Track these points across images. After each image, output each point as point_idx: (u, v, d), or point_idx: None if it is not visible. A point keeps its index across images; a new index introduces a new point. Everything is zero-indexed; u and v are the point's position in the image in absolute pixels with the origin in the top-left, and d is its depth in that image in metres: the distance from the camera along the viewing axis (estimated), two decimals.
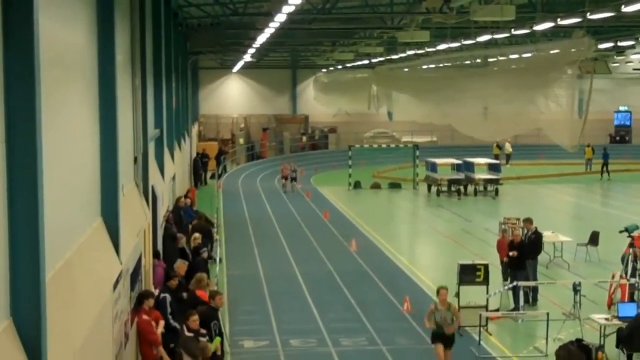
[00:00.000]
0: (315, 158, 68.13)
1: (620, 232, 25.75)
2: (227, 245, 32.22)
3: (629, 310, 18.63)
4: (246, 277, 26.90)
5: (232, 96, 75.74)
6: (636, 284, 22.56)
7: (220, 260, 27.51)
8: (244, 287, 25.58)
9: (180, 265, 19.18)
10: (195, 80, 67.47)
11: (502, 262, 23.85)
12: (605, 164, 58.39)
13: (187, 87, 49.83)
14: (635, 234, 24.01)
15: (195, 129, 60.97)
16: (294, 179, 49.85)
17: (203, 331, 15.26)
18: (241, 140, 70.05)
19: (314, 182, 55.53)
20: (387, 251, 31.26)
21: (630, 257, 23.10)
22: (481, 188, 49.09)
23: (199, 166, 52.60)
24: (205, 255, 22.57)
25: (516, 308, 22.08)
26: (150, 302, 15.53)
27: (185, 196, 33.95)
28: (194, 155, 53.70)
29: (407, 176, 53.81)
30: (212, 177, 55.38)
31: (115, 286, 12.89)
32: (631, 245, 23.51)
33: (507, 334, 21.11)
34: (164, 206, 25.98)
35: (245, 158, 68.44)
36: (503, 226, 29.06)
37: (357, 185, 51.72)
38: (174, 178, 33.07)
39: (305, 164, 64.65)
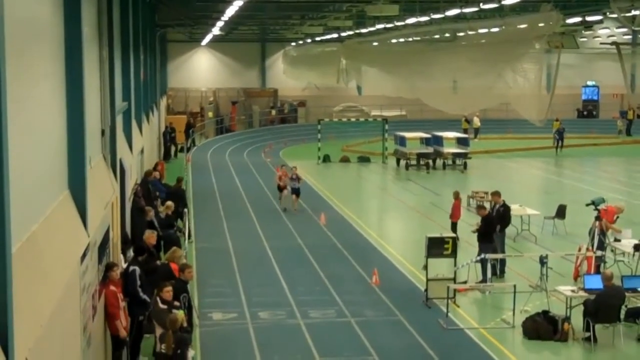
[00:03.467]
0: (285, 132, 68.06)
1: (587, 205, 25.88)
2: (196, 219, 32.15)
3: (595, 282, 18.82)
4: (215, 250, 26.88)
5: (201, 70, 75.31)
6: (602, 257, 22.81)
7: (190, 236, 27.46)
8: (214, 261, 25.56)
9: (150, 236, 19.13)
10: (163, 53, 66.98)
11: (453, 224, 24.95)
12: (560, 139, 59.07)
13: (155, 60, 49.48)
14: (601, 207, 24.20)
15: (163, 103, 60.64)
16: (296, 192, 34.12)
17: (177, 303, 15.28)
18: (210, 114, 69.78)
19: (283, 156, 55.46)
20: (356, 225, 31.34)
21: (596, 230, 23.32)
22: (450, 162, 49.30)
23: (167, 140, 52.36)
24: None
25: (484, 280, 22.27)
26: (117, 273, 15.50)
27: (154, 169, 33.82)
28: (163, 128, 53.44)
29: (376, 150, 53.90)
30: (181, 150, 55.16)
31: (82, 259, 12.84)
32: (597, 218, 23.72)
33: (474, 306, 21.28)
34: (132, 179, 25.86)
35: (215, 132, 68.19)
36: (479, 202, 29.57)
37: (326, 159, 51.75)
38: (142, 151, 32.91)
39: (274, 138, 64.61)
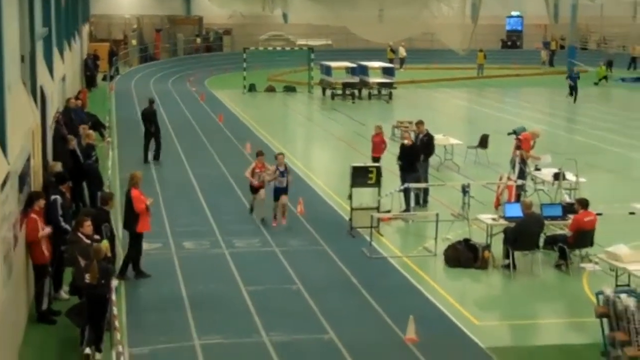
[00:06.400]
0: (210, 60, 67.37)
1: (509, 134, 26.32)
2: (120, 148, 31.81)
3: (514, 210, 19.16)
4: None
5: None
6: (523, 186, 23.22)
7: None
8: None
9: (54, 164, 19.07)
10: None
11: (374, 159, 25.22)
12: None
13: None
14: (522, 136, 24.59)
15: (86, 30, 59.37)
16: (282, 192, 21.81)
17: (97, 237, 15.16)
18: (134, 42, 68.62)
19: (208, 85, 55.01)
20: None
21: (517, 159, 23.70)
22: (375, 92, 49.35)
23: (90, 67, 51.44)
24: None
25: (407, 209, 22.50)
26: (41, 202, 15.31)
27: (76, 97, 33.32)
28: (85, 56, 52.45)
29: (302, 80, 53.73)
30: (104, 79, 54.30)
31: (2, 188, 12.63)
32: (518, 147, 24.10)
33: (397, 235, 21.55)
34: (54, 107, 25.44)
35: (138, 60, 67.19)
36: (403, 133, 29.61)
37: (252, 88, 51.44)
38: (64, 79, 32.33)
39: (199, 67, 63.92)
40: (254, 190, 22.16)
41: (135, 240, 17.71)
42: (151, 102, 30.91)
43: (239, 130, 36.60)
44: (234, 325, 15.23)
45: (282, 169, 21.84)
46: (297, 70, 59.19)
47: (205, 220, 22.19)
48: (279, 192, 21.74)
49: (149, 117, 30.13)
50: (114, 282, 14.05)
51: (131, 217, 17.57)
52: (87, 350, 13.54)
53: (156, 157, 29.81)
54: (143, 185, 17.81)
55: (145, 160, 29.52)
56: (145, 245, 18.28)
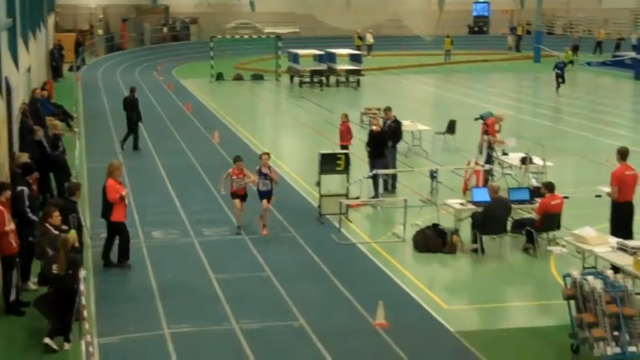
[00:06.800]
0: (177, 50, 67.05)
1: (476, 119, 26.46)
2: (87, 138, 31.63)
3: (482, 195, 19.27)
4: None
5: None
6: (490, 170, 23.36)
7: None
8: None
9: (20, 155, 18.92)
10: None
11: (341, 147, 25.04)
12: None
13: None
14: (488, 121, 24.73)
15: (51, 20, 58.87)
16: (265, 196, 20.11)
17: (65, 227, 15.09)
18: (100, 32, 68.18)
19: (176, 75, 54.76)
20: (249, 142, 31.27)
21: (485, 144, 23.83)
22: (343, 79, 49.39)
23: (56, 58, 51.04)
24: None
25: (375, 196, 22.56)
26: (7, 194, 15.21)
27: (42, 88, 33.07)
28: (51, 47, 52.03)
29: (270, 67, 53.65)
30: (70, 69, 53.90)
31: None
32: (485, 132, 24.23)
33: (366, 221, 21.62)
34: (20, 98, 25.25)
35: (105, 50, 66.74)
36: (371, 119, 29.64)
37: (219, 77, 51.28)
38: (29, 70, 32.09)
39: (166, 56, 63.62)
40: (235, 196, 20.11)
41: (112, 230, 17.69)
42: (132, 90, 30.96)
43: (207, 119, 36.51)
44: (203, 314, 15.23)
45: (265, 170, 19.89)
46: (264, 58, 59.05)
47: (174, 210, 22.14)
48: (262, 195, 20.00)
49: (131, 105, 30.12)
50: (82, 273, 13.99)
51: (106, 207, 17.55)
52: (46, 340, 13.52)
53: (135, 146, 29.85)
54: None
55: (135, 147, 29.75)
56: None
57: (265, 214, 20.03)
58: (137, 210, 21.88)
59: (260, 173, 19.90)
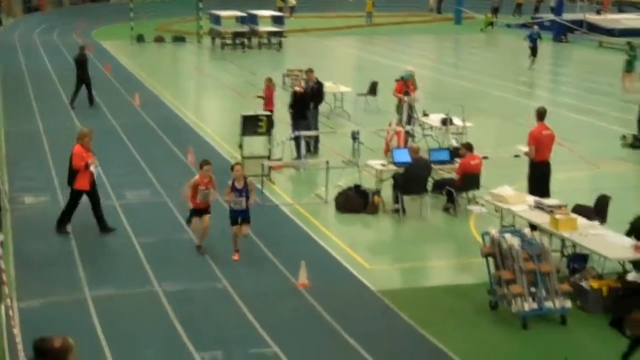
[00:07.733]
0: (96, 11, 66.03)
1: (396, 80, 26.56)
2: (4, 101, 31.02)
3: (403, 155, 19.44)
4: (26, 133, 26.09)
5: None
6: (411, 131, 23.56)
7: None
8: (24, 143, 24.84)
9: None
10: None
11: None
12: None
13: None
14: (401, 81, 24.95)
15: None
16: (243, 218, 16.04)
17: None
18: None
19: (95, 36, 53.85)
20: (171, 105, 31.02)
21: (405, 105, 24.01)
22: (265, 41, 49.16)
23: None
24: None
25: (298, 157, 22.59)
26: None
27: None
28: None
29: (191, 29, 53.10)
30: None
31: None
32: (406, 93, 24.40)
33: (289, 183, 21.68)
34: None
35: (22, 10, 65.36)
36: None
37: (140, 38, 50.55)
38: None
39: (86, 18, 62.53)
40: (196, 212, 16.27)
41: (73, 197, 17.33)
42: (81, 48, 31.39)
43: (127, 81, 36.04)
44: (125, 277, 15.15)
45: (239, 185, 15.94)
46: (185, 20, 58.44)
47: None
48: (236, 215, 16.01)
49: (80, 63, 30.41)
50: (0, 237, 13.80)
51: (70, 173, 17.22)
52: None
53: (90, 101, 30.50)
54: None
55: (72, 105, 30.02)
56: (31, 199, 17.96)
57: (238, 238, 16.08)
58: (55, 173, 21.51)
59: (234, 188, 15.96)
